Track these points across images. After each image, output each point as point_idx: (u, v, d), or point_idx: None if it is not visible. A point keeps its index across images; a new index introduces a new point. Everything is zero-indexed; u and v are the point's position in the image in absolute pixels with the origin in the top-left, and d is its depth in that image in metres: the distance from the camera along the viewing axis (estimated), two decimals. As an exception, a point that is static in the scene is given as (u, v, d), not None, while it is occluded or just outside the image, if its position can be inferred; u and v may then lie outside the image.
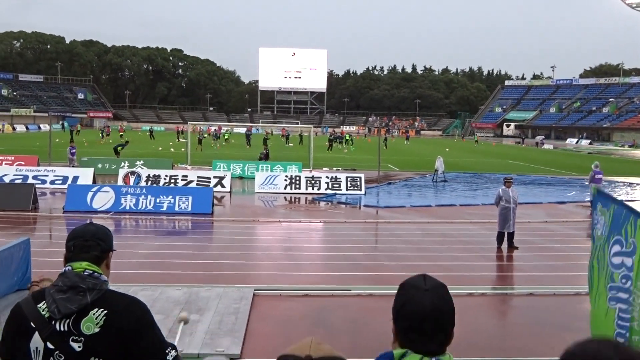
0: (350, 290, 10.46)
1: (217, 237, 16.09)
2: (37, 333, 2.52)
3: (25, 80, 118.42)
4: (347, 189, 24.50)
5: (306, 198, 23.40)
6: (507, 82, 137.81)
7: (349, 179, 24.99)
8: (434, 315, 1.96)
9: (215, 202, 20.15)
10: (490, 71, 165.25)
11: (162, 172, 24.37)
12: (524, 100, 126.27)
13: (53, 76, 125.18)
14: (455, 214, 19.85)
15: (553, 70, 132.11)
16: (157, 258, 12.67)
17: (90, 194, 18.94)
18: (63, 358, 2.51)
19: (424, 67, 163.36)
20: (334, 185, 24.64)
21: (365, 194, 24.18)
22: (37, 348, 2.52)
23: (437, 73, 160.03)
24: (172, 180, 23.73)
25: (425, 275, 2.06)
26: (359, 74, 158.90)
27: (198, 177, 24.23)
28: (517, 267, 13.16)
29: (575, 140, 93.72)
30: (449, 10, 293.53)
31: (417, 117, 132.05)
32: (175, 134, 70.66)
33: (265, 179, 24.89)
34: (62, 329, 2.52)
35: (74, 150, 29.51)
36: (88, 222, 2.88)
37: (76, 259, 2.64)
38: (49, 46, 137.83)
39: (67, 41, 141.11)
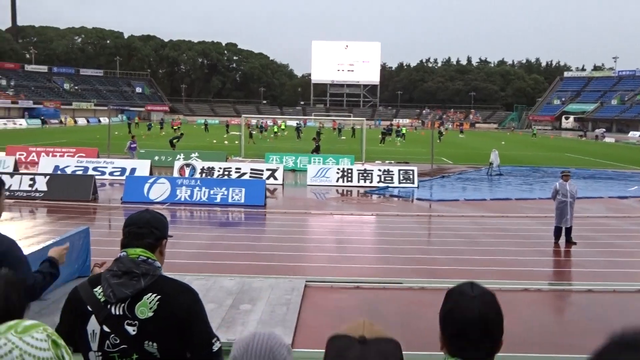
0: (401, 283, 10.39)
1: (269, 228, 16.22)
2: (93, 316, 2.59)
3: (86, 75, 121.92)
4: (399, 182, 24.32)
5: (358, 191, 23.34)
6: (566, 74, 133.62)
7: (401, 171, 24.80)
8: (481, 322, 1.92)
9: (268, 194, 20.31)
10: (549, 62, 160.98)
11: (216, 165, 24.72)
12: (584, 92, 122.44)
13: (112, 70, 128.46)
14: (510, 208, 19.46)
15: (615, 61, 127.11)
16: (211, 248, 12.87)
17: (147, 186, 19.38)
18: (118, 341, 2.57)
19: (479, 59, 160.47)
20: (387, 178, 24.50)
21: (418, 187, 23.96)
22: (93, 331, 2.59)
23: (492, 65, 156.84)
24: (226, 173, 24.05)
25: (473, 282, 2.03)
26: (412, 66, 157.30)
27: (251, 169, 24.48)
28: (575, 262, 12.81)
29: (638, 133, 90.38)
30: (504, 1, 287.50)
31: (472, 110, 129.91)
32: (225, 128, 71.08)
33: (318, 172, 24.95)
34: (117, 313, 2.59)
35: (135, 145, 29.49)
36: (145, 209, 2.92)
37: (131, 245, 2.71)
38: (108, 41, 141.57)
39: (126, 36, 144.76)
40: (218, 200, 19.03)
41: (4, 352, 1.30)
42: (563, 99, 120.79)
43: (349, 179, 24.64)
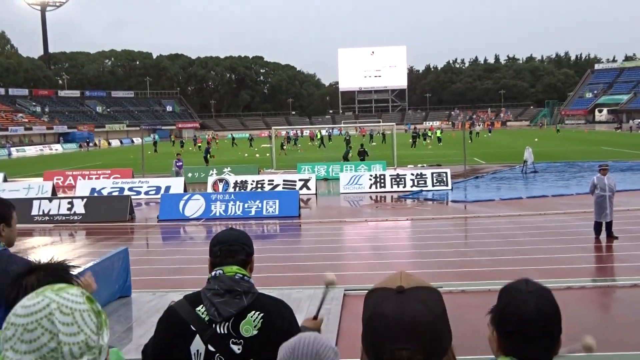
0: (441, 287, 10.27)
1: (305, 239, 16.23)
2: (197, 336, 2.58)
3: (117, 97, 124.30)
4: (433, 185, 24.15)
5: (392, 196, 23.24)
6: (597, 66, 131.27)
7: (434, 174, 24.62)
8: (538, 318, 1.86)
9: (302, 204, 20.34)
10: (578, 56, 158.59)
11: (249, 178, 24.89)
12: (616, 84, 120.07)
13: (142, 91, 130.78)
14: (547, 205, 19.15)
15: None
16: (248, 262, 12.91)
17: (182, 203, 19.58)
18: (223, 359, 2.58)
19: (507, 56, 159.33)
20: (420, 182, 24.35)
21: (452, 189, 23.76)
22: (197, 351, 2.58)
23: (521, 62, 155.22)
24: (259, 185, 24.19)
25: (528, 279, 1.97)
26: (439, 68, 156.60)
27: (284, 180, 24.58)
28: (617, 257, 12.52)
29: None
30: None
31: (503, 109, 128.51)
32: (248, 141, 69.70)
33: (350, 179, 24.92)
34: (222, 332, 2.58)
35: (181, 163, 29.01)
36: (229, 227, 2.94)
37: (224, 264, 2.69)
38: (137, 62, 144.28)
39: (154, 56, 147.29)
40: (253, 213, 19.13)
41: (41, 306, 1.37)
42: (595, 92, 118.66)
43: (382, 184, 24.55)
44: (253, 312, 2.61)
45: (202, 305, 2.63)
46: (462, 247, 14.17)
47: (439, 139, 57.68)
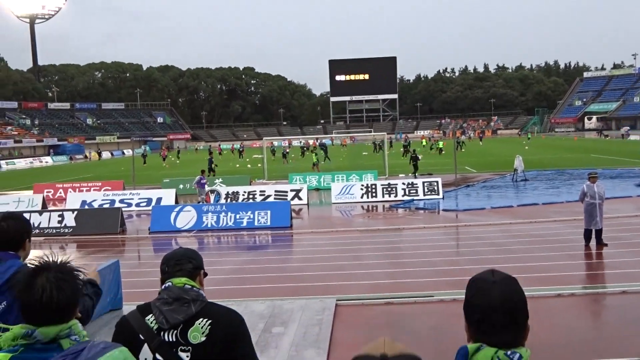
0: (433, 297, 10.31)
1: (297, 249, 16.23)
2: (145, 345, 2.63)
3: (108, 109, 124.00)
4: (424, 194, 24.22)
5: (383, 206, 23.28)
6: (585, 74, 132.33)
7: (425, 184, 24.69)
8: (503, 306, 1.95)
9: (294, 214, 20.35)
10: (567, 64, 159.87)
11: (241, 189, 24.88)
12: (605, 91, 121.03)
13: (133, 102, 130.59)
14: (538, 213, 19.25)
15: (635, 58, 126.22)
16: (240, 273, 12.91)
17: (173, 214, 19.55)
18: None
19: (497, 65, 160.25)
20: (411, 191, 24.42)
21: (443, 198, 23.84)
22: (146, 359, 2.63)
23: (510, 70, 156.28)
24: (251, 196, 24.18)
25: (494, 269, 2.06)
26: (430, 77, 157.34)
27: (275, 191, 24.59)
28: (607, 264, 12.60)
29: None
30: (518, 4, 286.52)
31: (493, 117, 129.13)
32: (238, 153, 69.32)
33: (342, 189, 24.95)
34: (170, 340, 2.63)
35: (204, 181, 24.40)
36: (178, 247, 3.02)
37: (174, 276, 2.78)
38: (128, 74, 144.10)
39: (145, 68, 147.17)
40: (244, 224, 19.12)
41: None
42: (584, 100, 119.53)
43: (374, 194, 24.60)
44: (201, 319, 2.66)
45: (151, 315, 2.69)
46: (454, 255, 14.21)
47: (440, 150, 55.73)
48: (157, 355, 2.61)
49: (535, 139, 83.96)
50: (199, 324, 2.64)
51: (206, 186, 24.39)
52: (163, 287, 2.76)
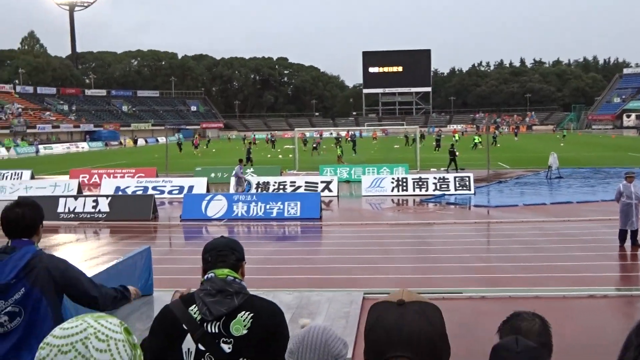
0: (461, 293, 10.23)
1: (325, 241, 16.25)
2: (189, 335, 2.66)
3: (143, 96, 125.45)
4: (455, 189, 24.00)
5: (414, 200, 23.15)
6: (625, 70, 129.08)
7: (457, 178, 24.48)
8: None
9: (323, 206, 20.35)
10: (607, 60, 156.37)
11: (271, 179, 24.97)
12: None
13: (168, 91, 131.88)
14: (572, 212, 18.93)
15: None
16: (269, 263, 12.96)
17: (204, 203, 19.71)
18: (213, 359, 2.65)
19: (534, 59, 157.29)
20: (442, 186, 24.22)
21: (475, 194, 23.59)
22: (189, 349, 2.66)
23: (547, 65, 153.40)
24: (281, 187, 24.25)
25: (518, 337, 1.92)
26: (464, 71, 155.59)
27: (306, 182, 24.61)
28: (642, 266, 12.35)
29: None
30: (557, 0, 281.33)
31: (529, 112, 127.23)
32: (270, 142, 70.26)
33: (372, 182, 24.87)
34: (213, 331, 2.66)
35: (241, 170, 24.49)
36: (220, 236, 3.04)
37: (216, 267, 2.80)
38: (163, 62, 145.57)
39: (180, 57, 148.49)
40: (274, 214, 19.19)
41: (79, 330, 1.42)
42: (623, 97, 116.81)
43: (404, 188, 24.47)
44: (243, 312, 2.68)
45: (194, 305, 2.71)
46: (484, 252, 14.07)
47: (476, 145, 53.96)
48: (200, 346, 2.64)
49: (571, 136, 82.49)
50: (242, 316, 2.67)
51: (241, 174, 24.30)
52: (205, 277, 2.79)
